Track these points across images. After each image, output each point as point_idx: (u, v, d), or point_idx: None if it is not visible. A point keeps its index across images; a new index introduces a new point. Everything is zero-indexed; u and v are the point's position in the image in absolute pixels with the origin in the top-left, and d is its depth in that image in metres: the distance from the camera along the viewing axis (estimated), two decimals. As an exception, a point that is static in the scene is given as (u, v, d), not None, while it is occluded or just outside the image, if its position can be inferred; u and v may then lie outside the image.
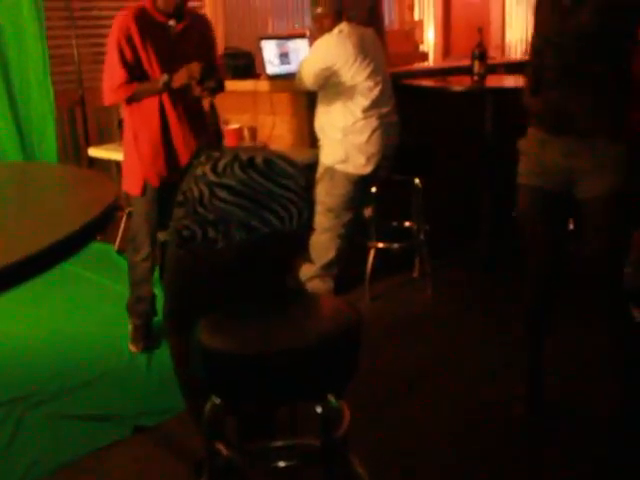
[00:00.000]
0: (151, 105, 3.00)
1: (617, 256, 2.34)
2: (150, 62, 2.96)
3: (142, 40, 2.93)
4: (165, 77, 2.89)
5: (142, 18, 2.94)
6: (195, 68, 2.83)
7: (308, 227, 2.09)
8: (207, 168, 1.95)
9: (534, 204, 2.42)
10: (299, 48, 4.17)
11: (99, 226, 1.21)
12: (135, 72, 2.95)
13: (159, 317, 3.28)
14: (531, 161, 2.40)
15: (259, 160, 1.95)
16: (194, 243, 1.94)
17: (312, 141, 3.82)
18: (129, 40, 2.91)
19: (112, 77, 2.96)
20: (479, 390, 2.82)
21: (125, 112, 3.11)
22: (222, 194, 1.90)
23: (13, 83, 4.74)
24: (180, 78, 2.87)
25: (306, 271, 3.68)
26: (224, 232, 1.91)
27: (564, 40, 2.21)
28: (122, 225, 4.65)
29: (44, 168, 2.40)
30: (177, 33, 3.00)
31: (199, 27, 3.12)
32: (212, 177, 1.92)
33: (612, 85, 2.20)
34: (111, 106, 3.13)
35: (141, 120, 3.04)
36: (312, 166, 3.67)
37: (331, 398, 1.72)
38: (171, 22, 2.97)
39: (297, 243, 2.12)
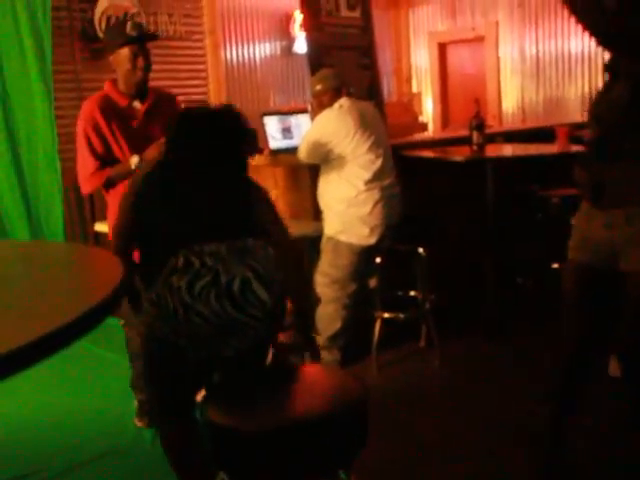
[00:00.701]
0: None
1: None
2: (120, 146, 3.00)
3: (109, 126, 2.98)
4: (135, 158, 2.91)
5: (106, 105, 2.99)
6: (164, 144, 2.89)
7: (262, 347, 2.22)
8: (183, 283, 1.98)
9: (578, 281, 2.37)
10: (301, 123, 4.28)
11: (109, 307, 1.23)
12: (106, 158, 2.99)
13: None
14: (577, 235, 2.37)
15: (236, 286, 1.99)
16: (166, 343, 2.05)
17: (315, 214, 3.87)
18: (96, 128, 2.96)
19: (84, 167, 3.01)
20: (488, 464, 2.77)
21: (106, 197, 3.14)
22: (195, 319, 1.98)
23: (22, 161, 4.84)
24: (151, 156, 2.88)
25: (312, 342, 3.68)
26: (194, 346, 2.04)
27: (601, 112, 2.24)
28: (128, 299, 4.66)
29: (54, 248, 2.44)
30: (143, 113, 3.04)
31: (164, 103, 3.14)
32: (187, 298, 1.97)
33: None
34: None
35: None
36: (315, 239, 3.70)
37: (341, 473, 1.71)
38: (135, 103, 3.03)
39: (255, 358, 2.22)
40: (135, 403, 3.31)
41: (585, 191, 2.31)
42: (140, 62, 2.97)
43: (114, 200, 3.09)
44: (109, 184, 3.03)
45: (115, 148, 3.01)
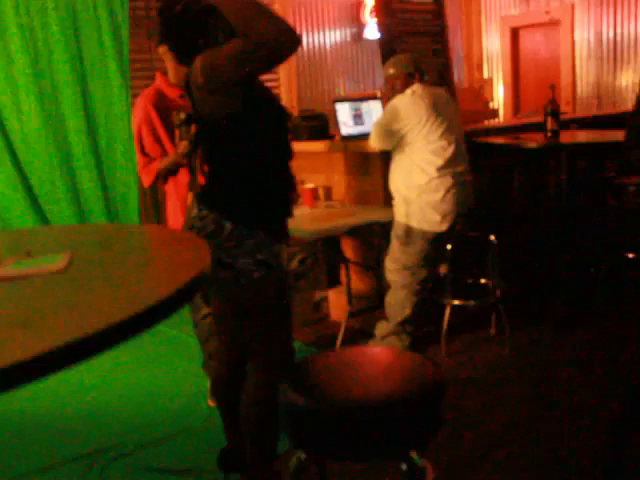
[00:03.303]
0: (185, 175, 3.05)
1: None
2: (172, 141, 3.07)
3: (162, 122, 3.04)
4: (183, 144, 2.92)
5: (159, 100, 3.06)
6: None
7: None
8: None
9: None
10: (372, 109, 4.27)
11: (198, 285, 1.28)
12: (154, 154, 3.08)
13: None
14: None
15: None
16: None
17: (386, 200, 3.87)
18: (150, 125, 3.05)
19: (138, 161, 3.16)
20: (557, 452, 2.74)
21: (164, 188, 3.24)
22: None
23: (100, 146, 4.99)
24: None
25: (382, 328, 3.70)
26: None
27: None
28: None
29: (143, 230, 2.52)
30: None
31: None
32: None
33: None
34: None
35: (180, 192, 3.13)
36: (386, 225, 3.71)
37: (415, 455, 1.73)
38: None
39: None
40: (208, 384, 3.39)
41: None
42: None
43: (172, 191, 3.16)
44: (163, 175, 3.12)
45: (167, 144, 3.08)
